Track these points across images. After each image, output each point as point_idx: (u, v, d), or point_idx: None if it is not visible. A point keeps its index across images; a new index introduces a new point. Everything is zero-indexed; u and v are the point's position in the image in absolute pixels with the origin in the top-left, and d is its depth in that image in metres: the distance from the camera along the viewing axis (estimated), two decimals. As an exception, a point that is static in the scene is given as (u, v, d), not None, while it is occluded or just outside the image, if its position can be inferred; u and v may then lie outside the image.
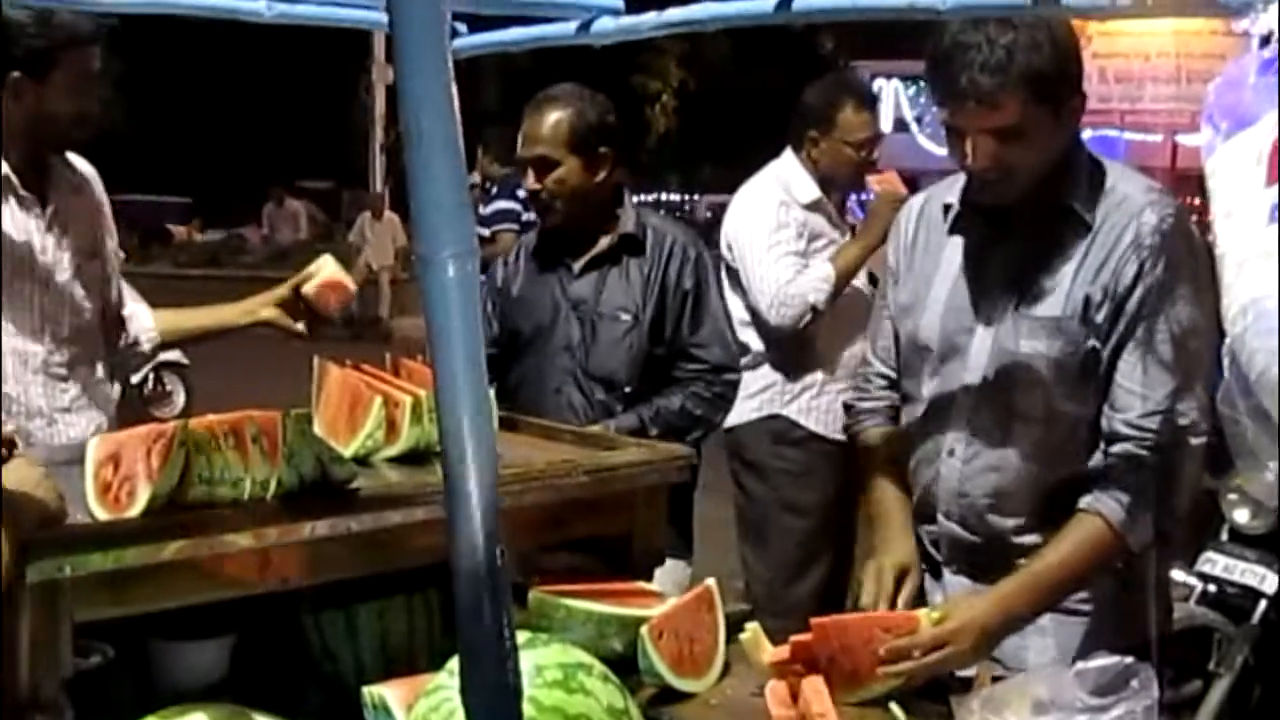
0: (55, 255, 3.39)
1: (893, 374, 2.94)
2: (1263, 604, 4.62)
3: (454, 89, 1.37)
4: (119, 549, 2.11)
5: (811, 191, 4.89)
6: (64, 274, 3.41)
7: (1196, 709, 4.54)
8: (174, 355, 4.06)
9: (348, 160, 18.48)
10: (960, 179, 2.77)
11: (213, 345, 3.84)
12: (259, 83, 26.55)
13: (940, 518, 2.78)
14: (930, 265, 2.80)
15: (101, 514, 2.17)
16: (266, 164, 25.10)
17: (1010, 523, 2.71)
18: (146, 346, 3.71)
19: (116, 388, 3.69)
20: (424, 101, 1.36)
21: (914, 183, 6.40)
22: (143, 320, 3.71)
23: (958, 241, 2.77)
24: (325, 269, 3.42)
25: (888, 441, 2.94)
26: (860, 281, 4.87)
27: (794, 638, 2.44)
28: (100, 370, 3.56)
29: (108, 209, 3.65)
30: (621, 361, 3.82)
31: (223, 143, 24.69)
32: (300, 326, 3.46)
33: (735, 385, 4.01)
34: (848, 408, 3.06)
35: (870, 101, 5.13)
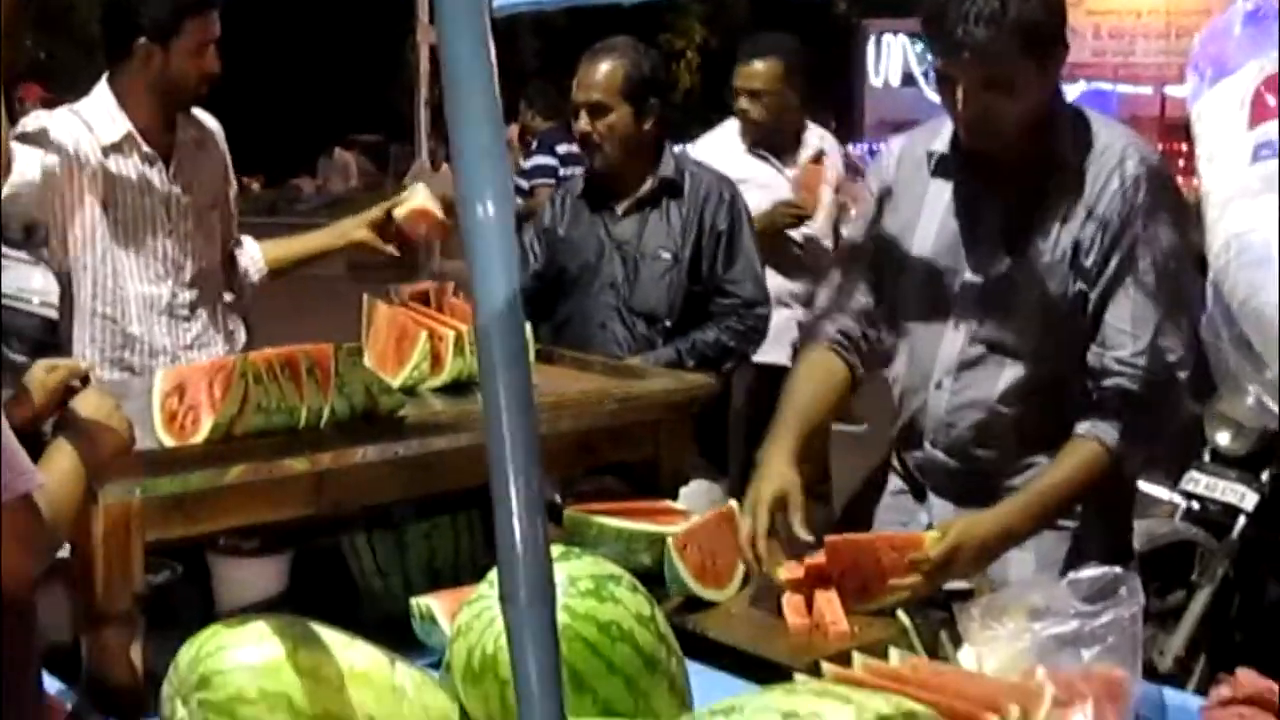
0: (178, 206, 3.42)
1: (865, 301, 2.82)
2: (1242, 520, 4.59)
3: (491, 44, 1.35)
4: (185, 473, 2.12)
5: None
6: (187, 223, 3.44)
7: (1180, 618, 4.53)
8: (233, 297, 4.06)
9: (395, 116, 18.45)
10: (941, 126, 2.71)
11: (271, 289, 3.84)
12: (311, 45, 26.49)
13: (926, 445, 2.73)
14: (914, 207, 2.73)
15: (168, 441, 2.17)
16: (319, 120, 25.10)
17: (995, 454, 2.66)
18: (256, 278, 3.72)
19: (240, 323, 3.74)
20: (463, 55, 1.34)
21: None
22: (251, 253, 3.72)
23: (941, 185, 2.70)
24: (417, 197, 3.38)
25: (818, 365, 2.82)
26: None
27: (808, 559, 2.43)
28: (220, 309, 3.60)
29: (229, 161, 3.68)
30: (661, 298, 3.80)
31: (278, 101, 24.64)
32: (391, 249, 3.46)
33: (766, 319, 3.99)
34: (801, 326, 2.94)
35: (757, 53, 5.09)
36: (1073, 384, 2.58)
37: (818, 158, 5.21)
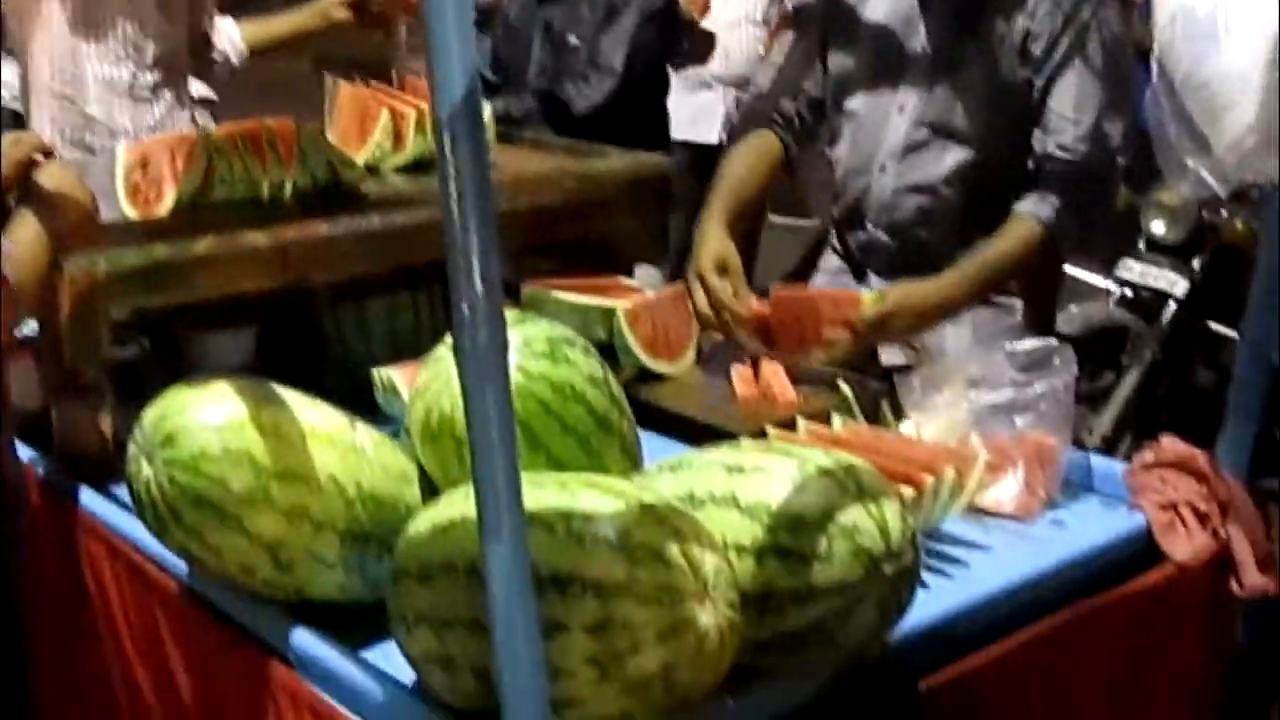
0: None
1: (801, 89, 2.74)
2: (1171, 305, 4.61)
3: None
4: (149, 245, 2.07)
5: None
6: (148, 2, 3.27)
7: (1109, 399, 4.58)
8: (205, 91, 3.93)
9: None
10: None
11: (237, 83, 3.71)
12: None
13: (869, 226, 2.69)
14: None
15: (132, 214, 2.12)
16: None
17: (937, 236, 2.62)
18: (236, 60, 3.57)
19: (209, 118, 3.62)
20: None
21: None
22: (230, 34, 3.56)
23: None
24: None
25: (753, 145, 2.74)
26: None
27: (754, 305, 2.41)
28: (185, 92, 3.45)
29: None
30: None
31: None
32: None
33: None
34: (738, 102, 2.86)
35: None
36: (1015, 169, 2.54)
37: None
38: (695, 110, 5.12)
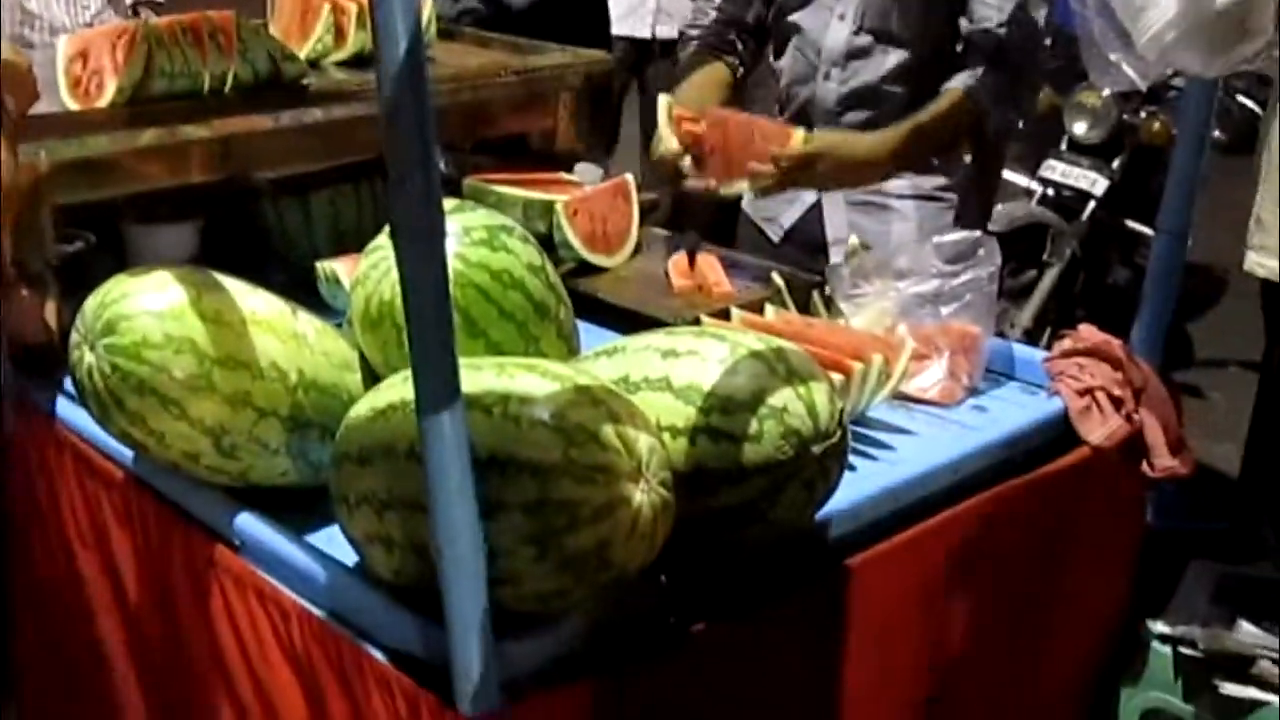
0: None
1: (735, 11, 2.73)
2: (1091, 204, 4.63)
3: None
4: (91, 136, 2.01)
5: None
6: None
7: (1030, 295, 4.60)
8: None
9: None
10: None
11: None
12: None
13: (816, 131, 2.61)
14: None
15: (73, 106, 2.05)
16: None
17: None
18: None
19: (150, 12, 3.48)
20: None
21: None
22: None
23: None
24: None
25: (697, 64, 2.71)
26: None
27: (687, 125, 2.40)
28: None
29: None
30: None
31: None
32: None
33: None
34: (681, 35, 2.83)
35: None
36: (951, 68, 2.52)
37: None
38: (628, 6, 5.12)
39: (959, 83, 2.48)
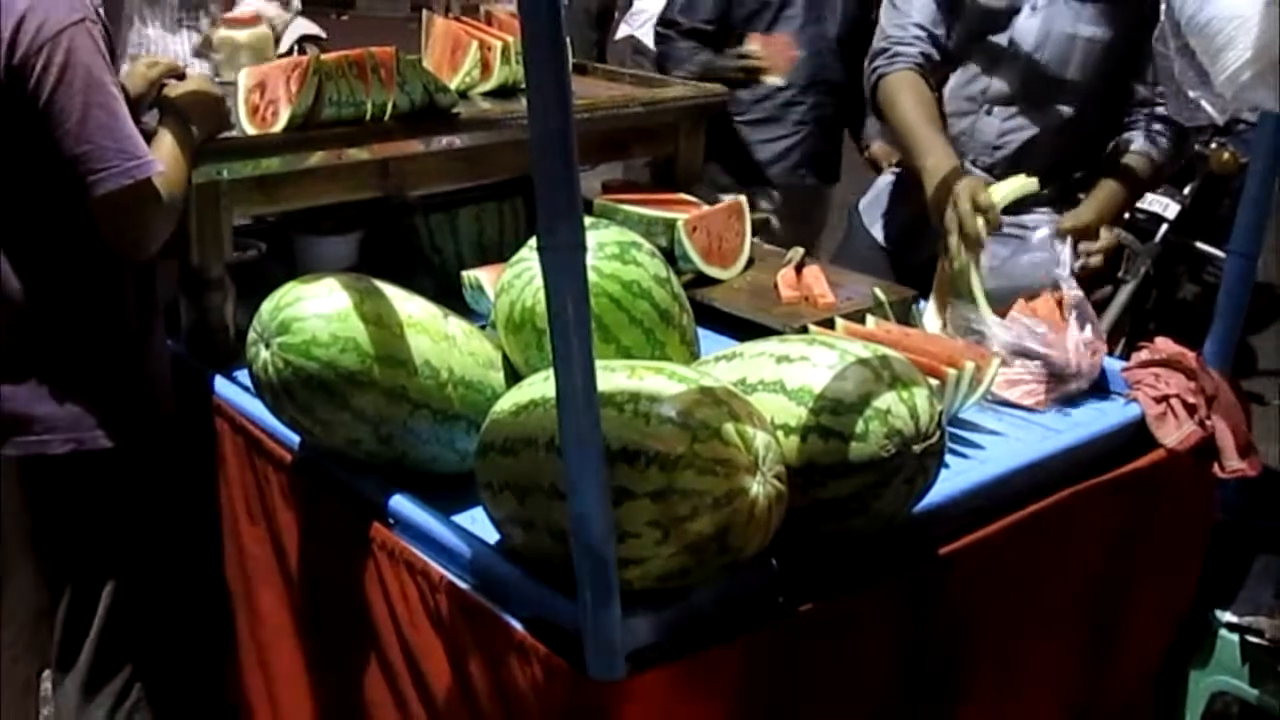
0: None
1: (933, 29, 2.54)
2: (1164, 227, 4.51)
3: None
4: (266, 157, 2.03)
5: None
6: None
7: (1107, 307, 4.50)
8: (313, 29, 3.84)
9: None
10: None
11: (342, 23, 3.60)
12: None
13: (967, 163, 2.50)
14: None
15: (251, 131, 2.08)
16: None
17: (1032, 170, 2.38)
18: None
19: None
20: None
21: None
22: None
23: None
24: None
25: (915, 84, 2.50)
26: None
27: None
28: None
29: None
30: None
31: None
32: None
33: None
34: (877, 52, 2.57)
35: None
36: (1111, 116, 2.45)
37: None
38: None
39: (1142, 145, 2.42)
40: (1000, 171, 2.50)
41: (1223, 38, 1.73)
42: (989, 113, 2.51)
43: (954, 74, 2.55)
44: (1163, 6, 1.88)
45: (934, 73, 2.55)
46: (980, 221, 2.16)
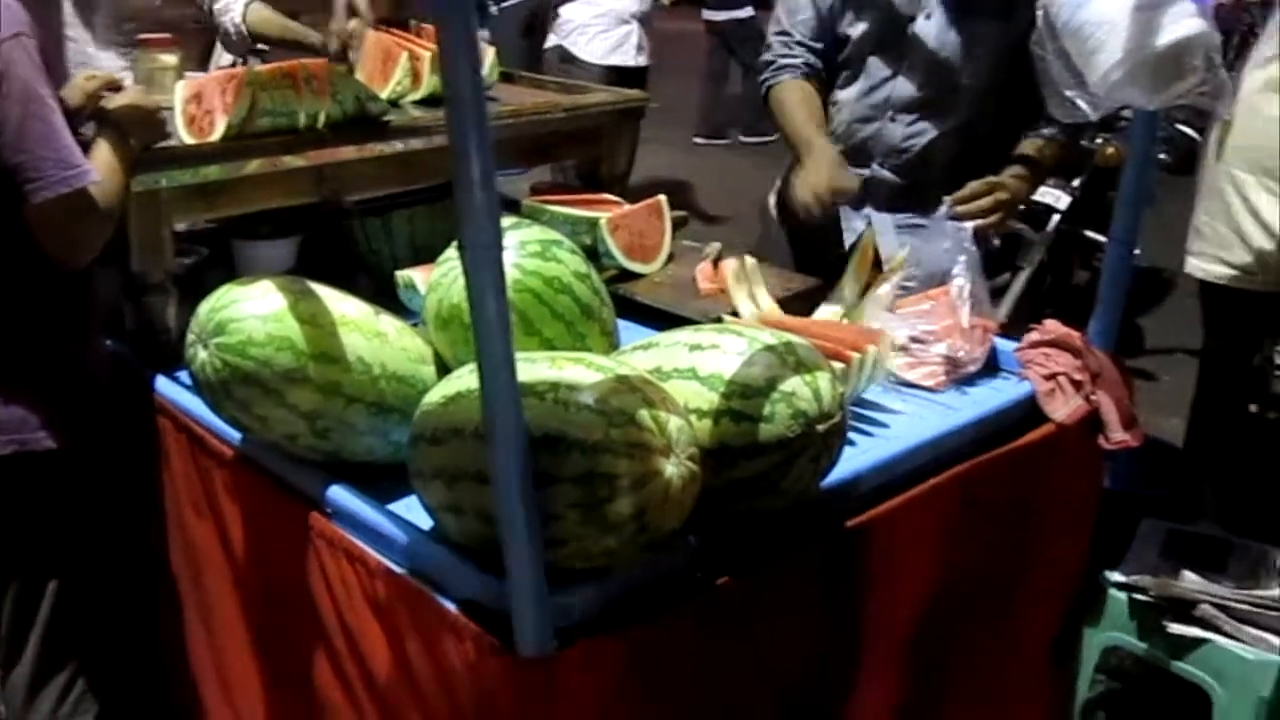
0: None
1: (814, 43, 2.58)
2: (1056, 217, 4.57)
3: None
4: (204, 166, 1.99)
5: None
6: None
7: (1004, 294, 4.55)
8: (261, 47, 3.75)
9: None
10: None
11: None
12: None
13: (874, 166, 2.54)
14: None
15: (189, 140, 2.04)
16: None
17: (936, 173, 2.49)
18: (226, 22, 3.37)
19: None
20: None
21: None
22: (234, 4, 3.34)
23: None
24: None
25: (802, 89, 2.58)
26: None
27: None
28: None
29: None
30: None
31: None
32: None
33: None
34: (765, 64, 2.64)
35: None
36: (1013, 111, 2.44)
37: None
38: (615, 41, 5.70)
39: (1033, 139, 2.44)
40: (907, 173, 2.52)
41: (1094, 41, 1.75)
42: (892, 119, 2.51)
43: (856, 82, 2.55)
44: (1039, 13, 1.91)
45: (818, 78, 2.59)
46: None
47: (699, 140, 8.98)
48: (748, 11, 8.43)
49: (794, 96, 2.57)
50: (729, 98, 8.97)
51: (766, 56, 2.66)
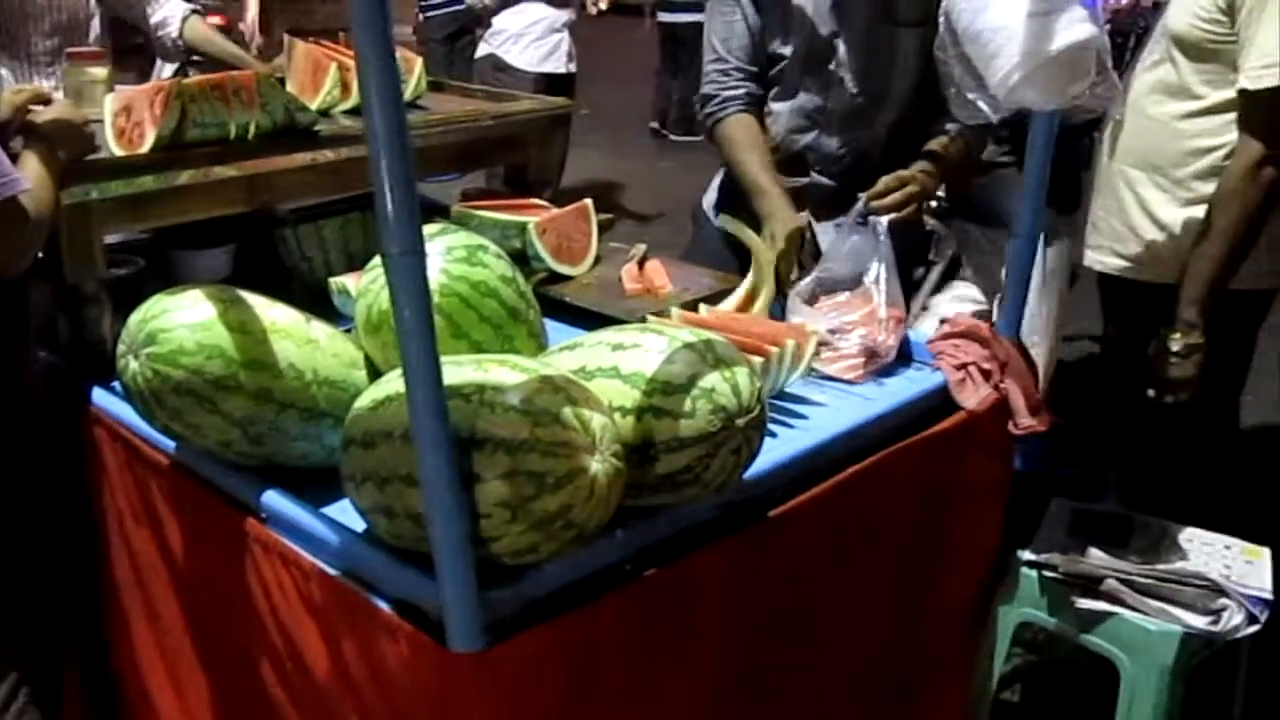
0: None
1: (751, 68, 2.54)
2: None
3: None
4: (135, 177, 1.94)
5: None
6: None
7: (919, 288, 4.57)
8: (198, 58, 3.69)
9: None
10: None
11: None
12: None
13: (813, 174, 2.53)
14: None
15: (119, 152, 1.98)
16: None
17: (871, 176, 2.42)
18: (165, 36, 3.28)
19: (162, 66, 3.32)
20: None
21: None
22: (172, 19, 3.25)
23: None
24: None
25: (748, 126, 2.53)
26: None
27: None
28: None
29: None
30: None
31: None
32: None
33: None
34: (707, 98, 2.58)
35: None
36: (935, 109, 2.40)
37: None
38: (548, 50, 5.79)
39: (942, 137, 2.42)
40: (842, 177, 2.52)
41: (993, 46, 1.76)
42: (828, 132, 2.51)
43: (791, 98, 2.54)
44: (940, 19, 1.92)
45: (760, 104, 2.57)
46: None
47: (655, 125, 9.56)
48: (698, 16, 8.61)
49: (742, 136, 2.51)
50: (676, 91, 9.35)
51: (707, 89, 2.59)
